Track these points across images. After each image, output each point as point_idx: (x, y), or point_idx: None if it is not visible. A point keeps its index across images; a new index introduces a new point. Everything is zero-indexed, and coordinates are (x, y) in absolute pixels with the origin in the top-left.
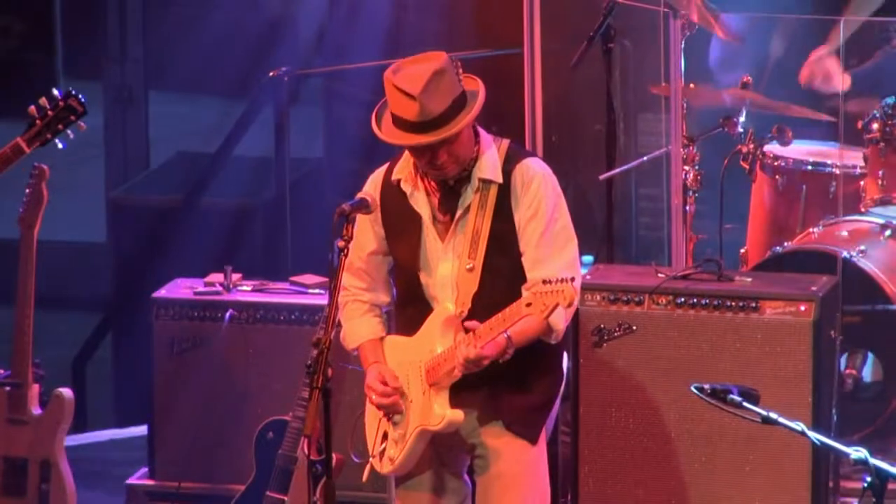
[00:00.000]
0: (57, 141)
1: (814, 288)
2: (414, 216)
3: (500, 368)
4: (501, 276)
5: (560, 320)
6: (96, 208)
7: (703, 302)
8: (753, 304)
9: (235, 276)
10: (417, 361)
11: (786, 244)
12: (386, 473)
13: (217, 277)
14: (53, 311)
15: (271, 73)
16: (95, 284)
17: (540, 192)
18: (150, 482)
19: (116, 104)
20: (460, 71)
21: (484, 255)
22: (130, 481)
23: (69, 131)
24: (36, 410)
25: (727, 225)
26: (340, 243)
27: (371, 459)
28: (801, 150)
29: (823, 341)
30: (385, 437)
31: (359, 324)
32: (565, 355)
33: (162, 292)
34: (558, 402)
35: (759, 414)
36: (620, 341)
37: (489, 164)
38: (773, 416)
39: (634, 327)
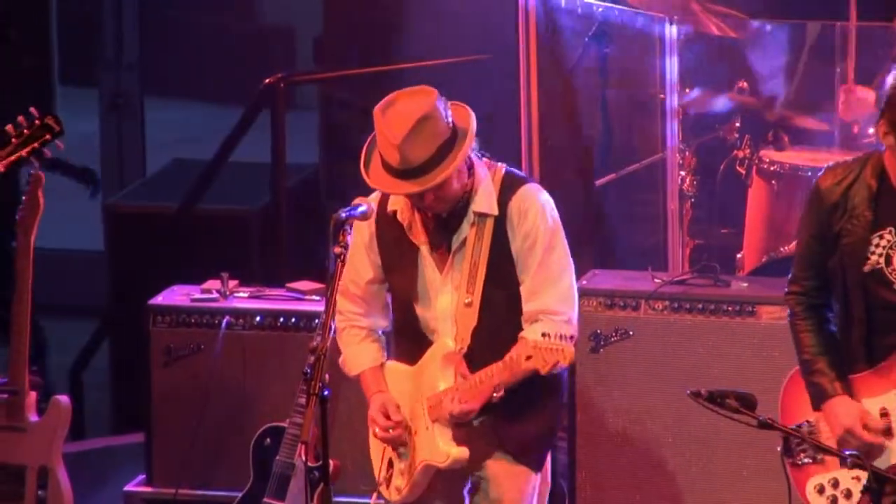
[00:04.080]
0: (32, 159)
1: None
2: (411, 246)
3: (512, 396)
4: (500, 309)
5: (549, 365)
6: (92, 216)
7: (699, 307)
8: (750, 309)
9: (232, 283)
10: (419, 395)
11: (782, 249)
12: (395, 503)
13: (214, 284)
14: (50, 319)
15: (267, 80)
16: (92, 291)
17: (537, 221)
18: (148, 489)
19: (112, 111)
20: (449, 108)
21: (482, 289)
22: (128, 488)
23: (46, 150)
24: (33, 418)
25: (723, 230)
26: (337, 249)
27: (378, 487)
28: (797, 154)
29: None
30: (391, 464)
31: (358, 350)
32: (565, 374)
33: (159, 299)
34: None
35: (755, 418)
36: (617, 346)
37: (484, 196)
38: (770, 420)
39: (631, 332)
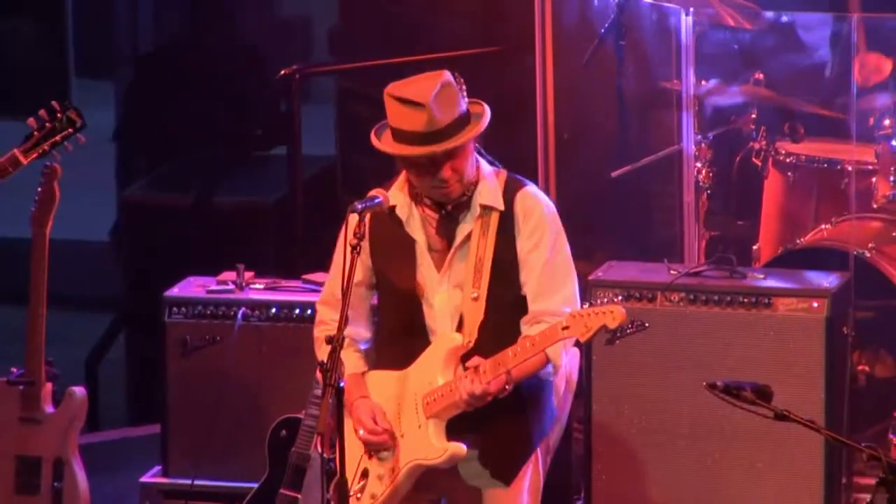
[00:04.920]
0: (55, 153)
1: (826, 284)
2: (409, 243)
3: (492, 404)
4: (506, 304)
5: (560, 355)
6: (108, 207)
7: (715, 298)
8: (766, 301)
9: (248, 275)
10: (412, 394)
11: (798, 241)
12: None
13: (230, 276)
14: (66, 311)
15: (283, 72)
16: (108, 283)
17: (542, 222)
18: (164, 480)
19: (128, 103)
20: (464, 90)
21: (488, 283)
22: (144, 479)
23: (67, 143)
24: (49, 409)
25: (739, 221)
26: (353, 241)
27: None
28: (813, 146)
29: (836, 337)
30: (364, 474)
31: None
32: (563, 389)
33: (174, 291)
34: (546, 443)
35: (771, 410)
36: (633, 338)
37: (490, 189)
38: (786, 412)
39: (647, 324)
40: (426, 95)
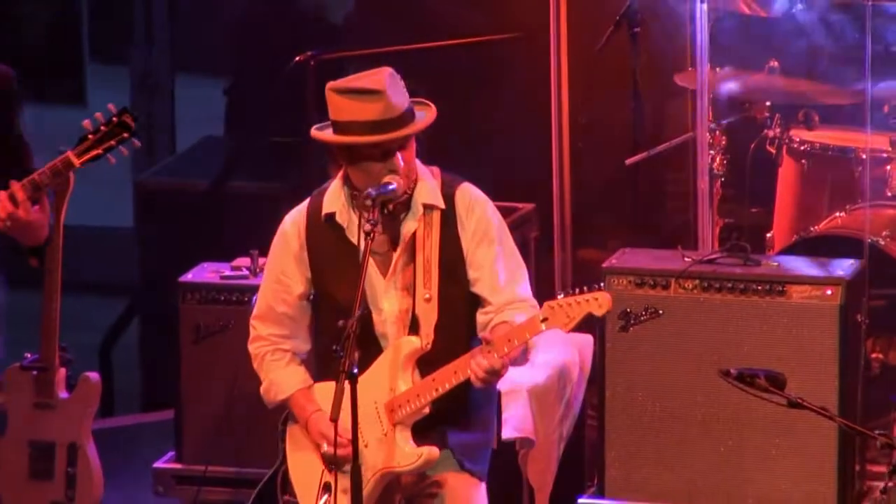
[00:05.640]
0: (109, 156)
1: (840, 272)
2: (350, 251)
3: (445, 405)
4: (457, 304)
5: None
6: (123, 193)
7: (729, 286)
8: (780, 289)
9: (262, 261)
10: (370, 402)
11: (812, 228)
12: None
13: (243, 262)
14: (80, 296)
15: (297, 58)
16: (122, 269)
17: (486, 216)
18: (177, 466)
19: (143, 89)
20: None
21: (438, 283)
22: (157, 465)
23: (121, 148)
24: (63, 395)
25: (753, 209)
26: (367, 227)
27: None
28: (827, 134)
29: (850, 325)
30: (326, 488)
31: (286, 374)
32: (576, 376)
33: (188, 276)
34: (559, 431)
35: (785, 398)
36: (647, 325)
37: (429, 189)
38: (800, 399)
39: (661, 311)
40: (382, 84)
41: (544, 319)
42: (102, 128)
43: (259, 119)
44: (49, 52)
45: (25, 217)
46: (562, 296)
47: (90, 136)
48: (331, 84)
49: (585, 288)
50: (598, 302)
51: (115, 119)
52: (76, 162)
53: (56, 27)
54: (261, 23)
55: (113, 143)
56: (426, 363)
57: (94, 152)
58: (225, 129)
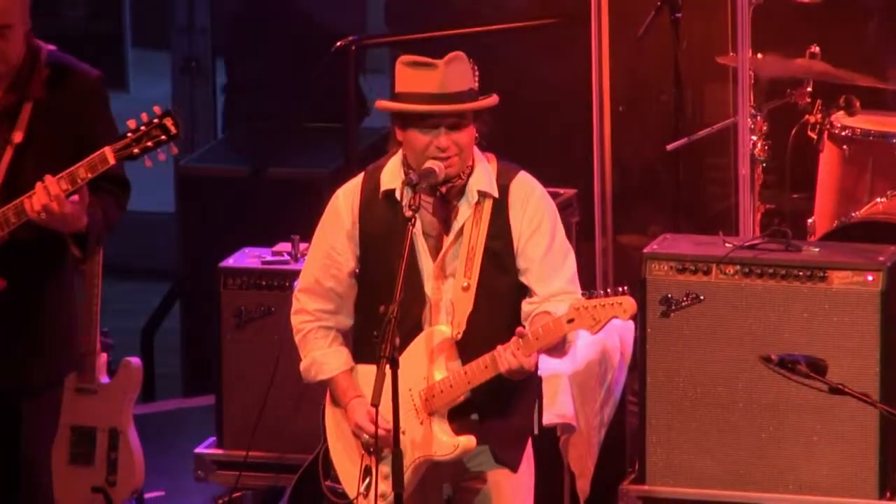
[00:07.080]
0: (146, 158)
1: (881, 258)
2: (404, 229)
3: (482, 393)
4: (497, 295)
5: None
6: (165, 178)
7: (770, 272)
8: (821, 274)
9: (303, 246)
10: (405, 389)
11: (853, 214)
12: None
13: (284, 247)
14: (122, 281)
15: (339, 43)
16: (163, 254)
17: (541, 206)
18: (218, 451)
19: (184, 74)
20: (477, 74)
21: (479, 272)
22: (198, 450)
23: (160, 151)
24: (104, 380)
25: (795, 195)
26: (408, 213)
27: (353, 500)
28: (868, 119)
29: (891, 311)
30: (367, 472)
31: (328, 354)
32: (617, 362)
33: (229, 262)
34: (601, 416)
35: (826, 384)
36: (688, 311)
37: (485, 176)
38: (841, 386)
39: (702, 297)
40: (442, 61)
41: (570, 320)
42: (143, 128)
43: (300, 104)
44: (90, 36)
45: (59, 210)
46: (586, 294)
47: (129, 135)
48: (400, 58)
49: (609, 290)
50: (622, 307)
51: (155, 121)
52: (111, 159)
53: (97, 12)
54: (302, 7)
55: (150, 144)
56: (463, 350)
57: (130, 150)
58: (267, 114)
